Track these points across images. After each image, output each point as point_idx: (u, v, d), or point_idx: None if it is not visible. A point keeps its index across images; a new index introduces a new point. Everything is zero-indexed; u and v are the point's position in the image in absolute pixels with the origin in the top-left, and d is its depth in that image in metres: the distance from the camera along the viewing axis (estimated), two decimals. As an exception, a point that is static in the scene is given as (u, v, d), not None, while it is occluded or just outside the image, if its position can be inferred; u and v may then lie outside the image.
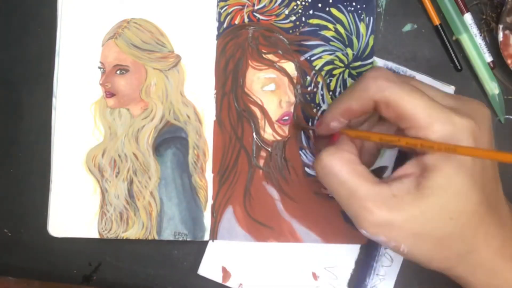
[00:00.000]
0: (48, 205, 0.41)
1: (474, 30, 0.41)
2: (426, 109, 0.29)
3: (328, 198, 0.41)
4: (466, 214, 0.29)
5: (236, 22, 0.41)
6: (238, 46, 0.41)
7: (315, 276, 0.41)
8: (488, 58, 0.41)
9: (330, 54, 0.41)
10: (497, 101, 0.41)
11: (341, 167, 0.30)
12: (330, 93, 0.41)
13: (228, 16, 0.41)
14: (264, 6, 0.41)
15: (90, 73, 0.41)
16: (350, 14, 0.41)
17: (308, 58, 0.41)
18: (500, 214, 0.31)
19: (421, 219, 0.29)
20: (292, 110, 0.41)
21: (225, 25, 0.41)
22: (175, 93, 0.41)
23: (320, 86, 0.41)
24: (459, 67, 0.41)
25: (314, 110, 0.41)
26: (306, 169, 0.41)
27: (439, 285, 0.40)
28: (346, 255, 0.41)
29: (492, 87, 0.41)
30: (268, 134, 0.41)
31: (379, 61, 0.41)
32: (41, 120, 0.41)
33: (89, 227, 0.40)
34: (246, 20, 0.41)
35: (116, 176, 0.41)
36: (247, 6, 0.41)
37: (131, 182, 0.41)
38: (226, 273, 0.41)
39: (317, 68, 0.41)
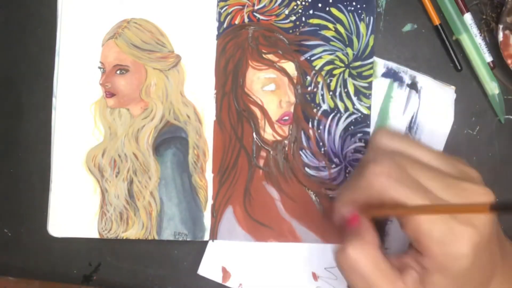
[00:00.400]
0: (48, 205, 0.41)
1: (474, 30, 0.41)
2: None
3: (328, 198, 0.41)
4: (473, 283, 0.30)
5: (236, 22, 0.41)
6: (238, 46, 0.41)
7: (315, 276, 0.41)
8: (488, 58, 0.41)
9: (330, 54, 0.41)
10: (497, 101, 0.41)
11: (365, 264, 0.30)
12: (330, 93, 0.41)
13: (228, 16, 0.41)
14: (264, 6, 0.41)
15: (90, 73, 0.41)
16: (350, 14, 0.41)
17: (308, 58, 0.41)
18: (508, 264, 0.32)
19: None
20: (292, 110, 0.41)
21: (225, 25, 0.41)
22: (175, 93, 0.41)
23: (320, 86, 0.41)
24: (459, 67, 0.41)
25: (314, 110, 0.41)
26: (306, 169, 0.41)
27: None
28: None
29: (492, 87, 0.41)
30: (268, 134, 0.41)
31: (379, 61, 0.41)
32: (41, 120, 0.41)
33: (89, 227, 0.40)
34: (246, 20, 0.41)
35: (116, 176, 0.41)
36: (247, 6, 0.41)
37: (131, 182, 0.41)
38: (226, 273, 0.41)
39: (317, 68, 0.41)
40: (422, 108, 0.41)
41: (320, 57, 0.41)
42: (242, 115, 0.41)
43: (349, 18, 0.41)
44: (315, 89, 0.41)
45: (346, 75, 0.41)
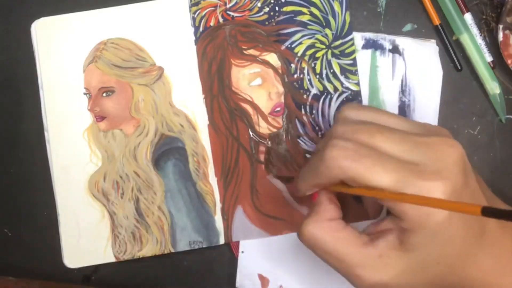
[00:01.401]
0: (59, 238, 0.41)
1: (474, 30, 0.41)
2: (392, 181, 0.28)
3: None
4: (451, 256, 0.30)
5: (211, 24, 0.41)
6: (218, 47, 0.41)
7: None
8: (488, 58, 0.41)
9: (310, 38, 0.41)
10: (498, 101, 0.41)
11: (324, 238, 0.31)
12: (317, 76, 0.41)
13: (203, 20, 0.41)
14: (236, 3, 0.41)
15: (76, 101, 0.41)
16: (322, -5, 0.41)
17: (289, 46, 0.41)
18: (487, 236, 0.31)
19: (408, 272, 0.30)
20: (282, 100, 0.41)
21: (201, 29, 0.41)
22: (165, 104, 0.41)
23: (306, 71, 0.41)
24: (459, 67, 0.41)
25: (304, 96, 0.41)
26: (307, 155, 0.41)
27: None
28: None
29: (493, 87, 0.41)
30: (263, 128, 0.41)
31: (356, 35, 0.41)
32: (41, 120, 0.41)
33: (104, 252, 0.40)
34: (221, 20, 0.41)
35: (122, 197, 0.41)
36: (219, 6, 0.41)
37: (137, 201, 0.41)
38: (263, 280, 0.41)
39: (299, 54, 0.41)
40: (409, 69, 0.41)
41: (300, 43, 0.41)
42: (234, 114, 0.41)
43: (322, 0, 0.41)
44: (301, 76, 0.41)
45: (330, 56, 0.41)
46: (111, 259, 0.40)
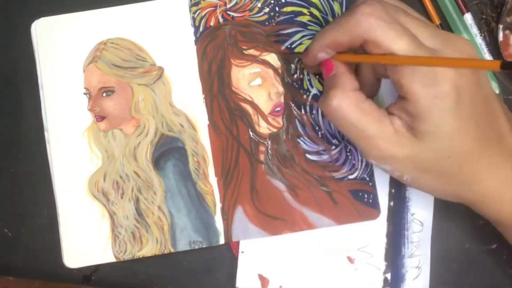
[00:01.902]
0: (59, 238, 0.40)
1: (474, 30, 0.41)
2: (409, 53, 0.29)
3: (334, 180, 0.41)
4: (463, 153, 0.31)
5: (212, 24, 0.41)
6: (218, 47, 0.41)
7: (350, 259, 0.41)
8: (488, 58, 0.41)
9: (310, 39, 0.41)
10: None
11: (349, 109, 0.31)
12: (317, 76, 0.41)
13: (203, 20, 0.41)
14: (236, 3, 0.41)
15: (76, 101, 0.41)
16: (322, -5, 0.41)
17: (289, 46, 0.41)
18: (504, 144, 0.32)
19: (419, 158, 0.31)
20: (282, 100, 0.41)
21: (201, 29, 0.41)
22: (164, 104, 0.41)
23: (305, 71, 0.41)
24: None
25: (304, 96, 0.41)
26: (307, 155, 0.41)
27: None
28: (375, 231, 0.41)
29: (493, 87, 0.40)
30: (263, 128, 0.41)
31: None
32: (41, 120, 0.41)
33: (104, 252, 0.40)
34: (221, 20, 0.41)
35: (122, 197, 0.41)
36: (220, 6, 0.41)
37: (137, 201, 0.41)
38: (263, 280, 0.41)
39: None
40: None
41: (300, 43, 0.41)
42: (234, 114, 0.41)
43: (322, 0, 0.41)
44: (301, 76, 0.41)
45: (329, 56, 0.41)
46: (111, 259, 0.40)
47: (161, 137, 0.41)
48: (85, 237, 0.40)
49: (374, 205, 0.41)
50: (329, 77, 0.34)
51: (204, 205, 0.41)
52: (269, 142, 0.41)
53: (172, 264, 0.41)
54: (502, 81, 0.41)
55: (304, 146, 0.41)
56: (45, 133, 0.41)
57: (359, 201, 0.40)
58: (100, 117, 0.41)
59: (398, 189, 0.41)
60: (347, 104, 0.31)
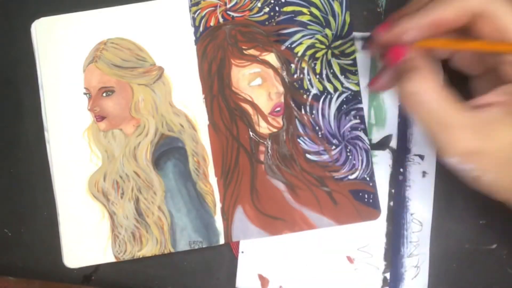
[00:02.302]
0: (59, 238, 0.40)
1: None
2: None
3: (334, 180, 0.41)
4: None
5: (212, 24, 0.41)
6: (218, 47, 0.41)
7: (350, 259, 0.41)
8: None
9: (310, 38, 0.41)
10: None
11: (430, 95, 0.28)
12: (317, 76, 0.41)
13: (203, 20, 0.41)
14: (236, 3, 0.41)
15: (76, 101, 0.41)
16: (322, -5, 0.41)
17: (289, 46, 0.41)
18: None
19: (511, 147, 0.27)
20: (282, 100, 0.41)
21: (201, 29, 0.41)
22: (164, 104, 0.41)
23: (306, 71, 0.41)
24: None
25: (304, 96, 0.41)
26: (307, 155, 0.41)
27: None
28: (375, 231, 0.41)
29: None
30: (263, 128, 0.41)
31: (356, 35, 0.41)
32: (41, 120, 0.41)
33: (104, 252, 0.40)
34: (221, 20, 0.41)
35: (122, 197, 0.41)
36: (220, 6, 0.41)
37: (137, 201, 0.41)
38: (263, 280, 0.41)
39: (299, 54, 0.41)
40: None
41: (300, 43, 0.41)
42: (234, 114, 0.41)
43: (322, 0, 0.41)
44: (301, 76, 0.41)
45: (330, 56, 0.41)
46: (111, 259, 0.40)
47: (161, 137, 0.41)
48: (85, 237, 0.40)
49: (374, 205, 0.41)
50: (401, 61, 0.30)
51: (204, 205, 0.41)
52: (269, 142, 0.41)
53: (172, 264, 0.41)
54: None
55: (304, 146, 0.41)
56: (45, 133, 0.41)
57: (359, 201, 0.40)
58: (100, 117, 0.41)
59: (398, 189, 0.41)
60: (428, 88, 0.28)
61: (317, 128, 0.41)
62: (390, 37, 0.31)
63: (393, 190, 0.41)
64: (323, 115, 0.41)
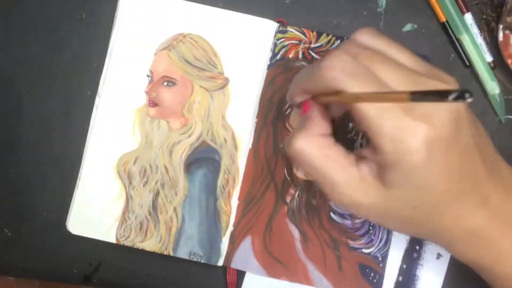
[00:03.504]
0: (71, 201, 0.41)
1: (474, 30, 0.41)
2: (379, 109, 0.28)
3: (348, 247, 0.40)
4: (429, 204, 0.30)
5: (290, 56, 0.41)
6: (287, 81, 0.41)
7: None
8: (489, 58, 0.41)
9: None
10: (498, 101, 0.41)
11: (314, 154, 0.31)
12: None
13: (283, 49, 0.41)
14: (321, 46, 0.41)
15: (137, 79, 0.41)
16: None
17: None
18: (477, 193, 0.31)
19: (384, 205, 0.30)
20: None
21: (278, 57, 0.41)
22: (217, 114, 0.41)
23: (360, 134, 0.41)
24: (467, 63, 0.41)
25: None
26: (332, 214, 0.41)
27: None
28: None
29: (493, 87, 0.41)
30: (300, 173, 0.41)
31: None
32: (41, 120, 0.41)
33: (108, 231, 0.40)
34: (300, 56, 0.41)
35: (144, 186, 0.41)
36: (304, 43, 0.41)
37: (157, 194, 0.41)
38: None
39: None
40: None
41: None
42: (278, 149, 0.41)
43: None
44: (355, 137, 0.41)
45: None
46: (112, 239, 0.40)
47: (202, 144, 0.41)
48: (95, 210, 0.41)
49: (377, 286, 0.40)
50: (301, 118, 0.33)
51: (217, 222, 0.41)
52: (301, 188, 0.41)
53: (172, 264, 0.41)
54: (502, 81, 0.41)
55: (332, 205, 0.41)
56: (96, 98, 0.41)
57: (364, 277, 0.40)
58: (153, 103, 0.41)
59: (409, 265, 0.41)
60: (310, 148, 0.31)
61: (351, 192, 0.41)
62: (290, 101, 0.34)
63: (404, 266, 0.41)
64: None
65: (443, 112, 0.28)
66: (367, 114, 0.28)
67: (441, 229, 0.31)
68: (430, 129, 0.27)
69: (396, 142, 0.28)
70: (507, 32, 0.40)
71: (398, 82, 0.29)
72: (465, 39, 0.41)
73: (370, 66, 0.29)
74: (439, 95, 0.20)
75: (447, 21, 0.41)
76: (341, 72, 0.29)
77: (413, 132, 0.27)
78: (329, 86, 0.29)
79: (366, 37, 0.31)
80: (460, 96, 0.19)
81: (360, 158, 0.31)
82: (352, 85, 0.28)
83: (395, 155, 0.28)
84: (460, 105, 0.29)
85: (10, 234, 0.42)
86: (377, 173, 0.30)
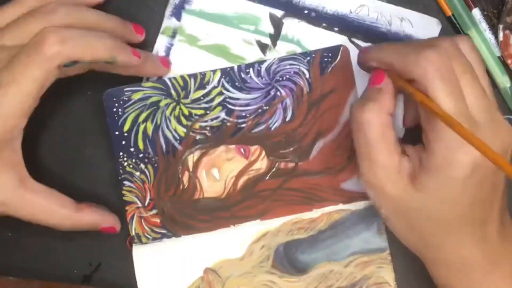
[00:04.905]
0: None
1: (483, 25, 0.40)
2: (456, 109, 0.30)
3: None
4: (442, 221, 0.32)
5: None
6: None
7: None
8: (498, 52, 0.40)
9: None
10: (510, 94, 0.40)
11: (376, 129, 0.32)
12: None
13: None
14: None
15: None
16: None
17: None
18: (483, 229, 0.32)
19: (405, 205, 0.32)
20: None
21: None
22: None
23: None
24: None
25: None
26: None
27: None
28: None
29: (504, 81, 0.40)
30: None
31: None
32: (41, 120, 0.41)
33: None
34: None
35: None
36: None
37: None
38: None
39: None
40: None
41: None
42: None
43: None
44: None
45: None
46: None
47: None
48: None
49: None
50: (373, 88, 0.34)
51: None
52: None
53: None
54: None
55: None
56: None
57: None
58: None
59: None
60: (377, 124, 0.32)
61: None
62: (362, 60, 0.36)
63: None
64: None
65: (496, 148, 0.29)
66: (437, 114, 0.29)
67: (438, 247, 0.33)
68: (481, 155, 0.28)
69: (449, 150, 0.30)
70: (507, 32, 0.40)
71: (477, 108, 0.31)
72: (473, 35, 0.40)
73: (461, 75, 0.30)
74: None
75: (453, 14, 0.41)
76: (435, 72, 0.30)
77: (467, 149, 0.28)
78: (415, 75, 0.30)
79: (466, 46, 0.32)
80: None
81: (404, 152, 0.32)
82: (439, 91, 0.29)
83: (443, 161, 0.30)
84: (509, 151, 0.32)
85: (10, 234, 0.41)
86: (413, 173, 0.31)
